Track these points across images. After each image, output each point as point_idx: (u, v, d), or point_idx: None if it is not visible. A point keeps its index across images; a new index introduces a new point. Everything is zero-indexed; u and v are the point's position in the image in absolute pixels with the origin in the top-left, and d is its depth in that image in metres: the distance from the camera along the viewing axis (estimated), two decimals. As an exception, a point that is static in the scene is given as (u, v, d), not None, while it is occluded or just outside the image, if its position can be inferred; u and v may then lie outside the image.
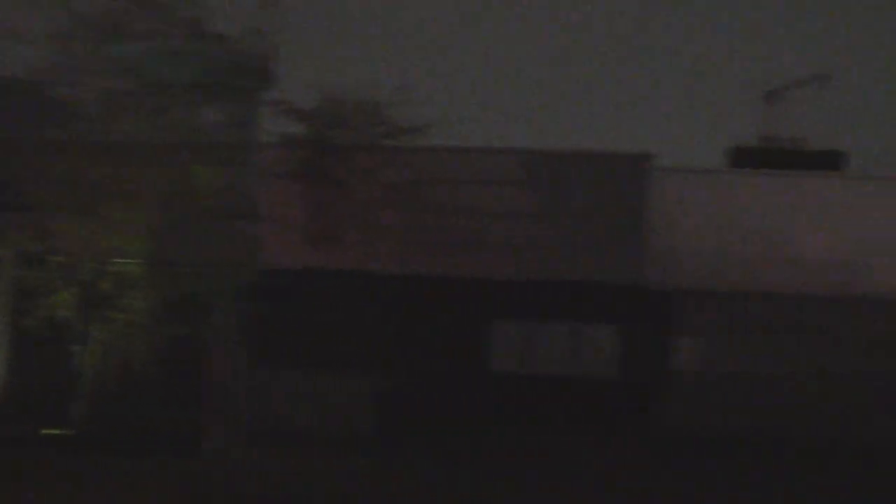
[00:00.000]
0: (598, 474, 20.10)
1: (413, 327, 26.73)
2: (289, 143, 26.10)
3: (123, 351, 21.56)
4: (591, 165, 26.59)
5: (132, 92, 19.54)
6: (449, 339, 26.61)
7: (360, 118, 26.47)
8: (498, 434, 23.82)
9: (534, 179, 26.65)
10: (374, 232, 26.25)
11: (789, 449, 23.20)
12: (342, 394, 24.18)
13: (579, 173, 26.56)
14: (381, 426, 23.47)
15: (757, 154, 30.38)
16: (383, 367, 25.73)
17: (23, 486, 16.05)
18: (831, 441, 23.83)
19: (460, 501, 16.66)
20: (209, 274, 20.00)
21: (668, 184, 26.66)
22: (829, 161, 29.66)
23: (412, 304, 26.75)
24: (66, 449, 19.93)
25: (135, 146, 20.51)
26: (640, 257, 26.08)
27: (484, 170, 26.81)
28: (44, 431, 21.72)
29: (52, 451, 19.75)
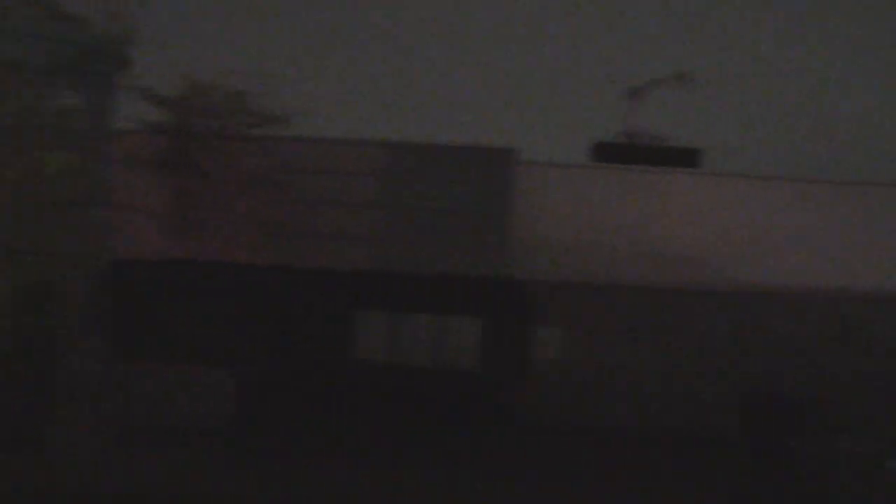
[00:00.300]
0: (460, 465, 20.20)
1: (277, 318, 26.42)
2: (150, 130, 25.48)
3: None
4: (456, 158, 26.74)
5: (-20, 73, 18.77)
6: (313, 331, 26.38)
7: (224, 106, 26.00)
8: (362, 425, 23.73)
9: (399, 171, 26.65)
10: (237, 222, 25.84)
11: (651, 440, 23.71)
12: (203, 387, 23.72)
13: (444, 166, 26.67)
14: (243, 419, 23.10)
15: (619, 150, 31.02)
16: (246, 360, 25.35)
17: None
18: (695, 432, 24.40)
19: (317, 495, 16.53)
20: (61, 263, 19.36)
21: (532, 178, 27.00)
22: (687, 158, 30.50)
23: (275, 294, 26.42)
24: None
25: (-17, 129, 19.72)
26: (505, 250, 26.34)
27: (349, 161, 26.69)
28: None
29: None
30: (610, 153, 30.45)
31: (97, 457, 15.93)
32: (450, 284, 26.46)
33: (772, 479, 12.87)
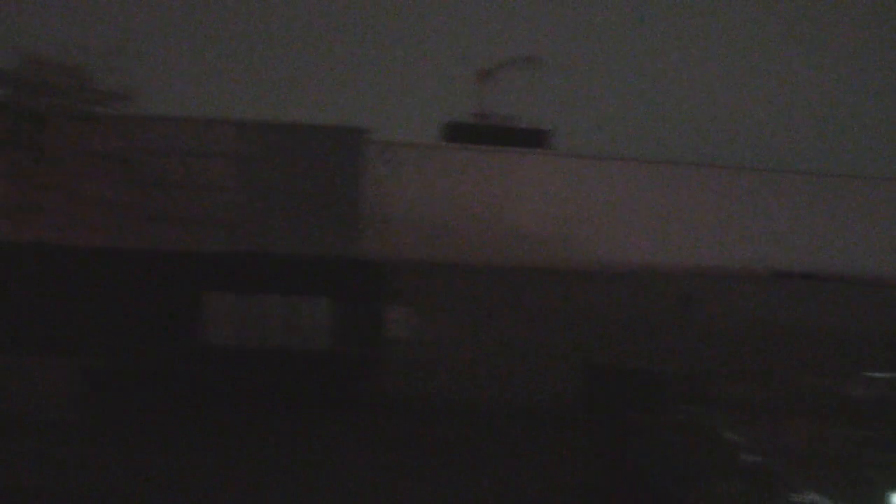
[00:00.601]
0: (314, 447, 20.14)
1: (123, 303, 25.71)
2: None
3: None
4: (307, 138, 26.50)
5: None
6: (161, 314, 25.77)
7: (63, 83, 25.13)
8: (213, 410, 23.34)
9: (249, 151, 26.27)
10: (79, 203, 25.02)
11: (499, 415, 24.06)
12: (44, 376, 22.92)
13: (295, 146, 26.42)
14: (88, 408, 22.42)
15: (470, 130, 31.43)
16: (91, 347, 24.61)
17: None
18: (544, 407, 24.82)
19: (166, 485, 16.22)
20: None
21: (384, 157, 27.02)
22: (536, 138, 31.15)
23: (121, 278, 25.72)
24: None
25: None
26: (356, 229, 26.29)
27: (197, 141, 26.16)
28: None
29: None
30: (461, 133, 30.82)
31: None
32: (301, 265, 26.20)
33: (612, 451, 13.30)
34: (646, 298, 26.48)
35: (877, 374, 14.71)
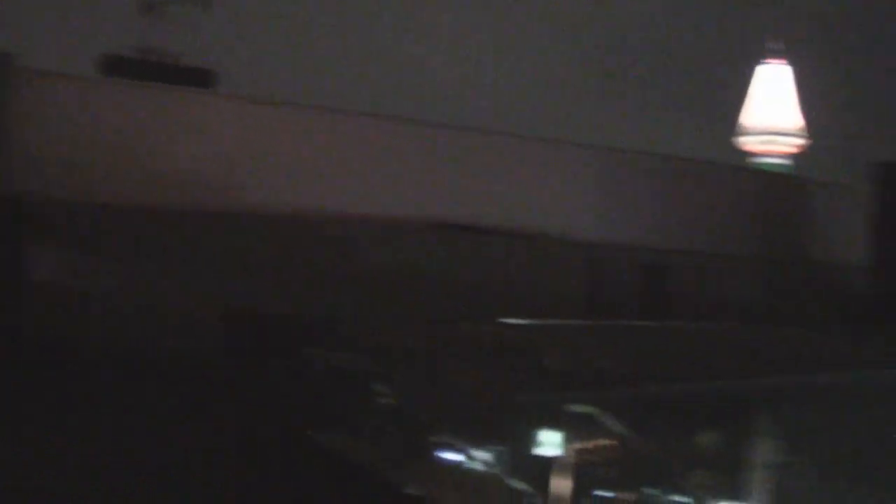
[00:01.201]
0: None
1: None
2: None
3: None
4: (-60, 60, 24.15)
5: None
6: None
7: None
8: None
9: None
10: None
11: (148, 364, 23.28)
12: None
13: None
14: None
15: (130, 65, 29.95)
16: None
17: None
18: (196, 355, 24.21)
19: None
20: None
21: (30, 87, 25.14)
22: (200, 78, 30.15)
23: None
24: None
25: None
26: (-4, 164, 24.34)
27: None
28: None
29: None
30: (119, 68, 29.30)
31: None
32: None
33: (252, 397, 13.12)
34: (304, 244, 26.44)
35: (514, 321, 15.30)
